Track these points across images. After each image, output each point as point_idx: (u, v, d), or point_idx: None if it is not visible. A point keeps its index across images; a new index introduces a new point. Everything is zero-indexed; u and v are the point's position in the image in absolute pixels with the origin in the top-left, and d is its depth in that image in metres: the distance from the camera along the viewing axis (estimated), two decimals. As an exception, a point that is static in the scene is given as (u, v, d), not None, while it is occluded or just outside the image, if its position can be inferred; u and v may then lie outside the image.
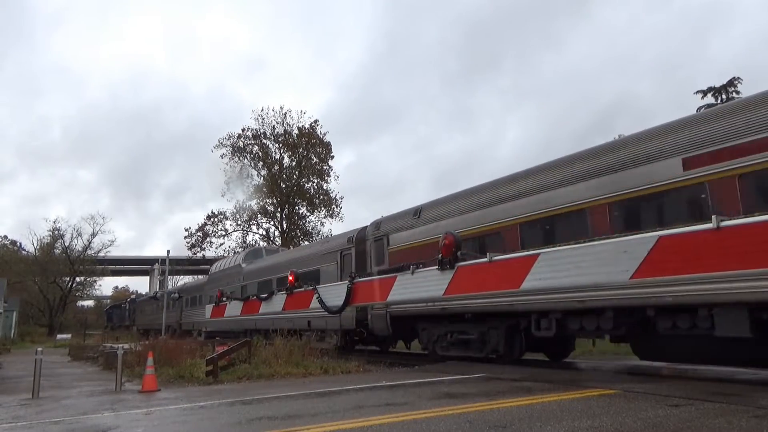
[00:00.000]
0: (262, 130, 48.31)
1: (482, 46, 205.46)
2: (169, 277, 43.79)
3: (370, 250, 16.94)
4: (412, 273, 13.89)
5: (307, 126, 48.23)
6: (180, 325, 36.77)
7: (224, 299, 28.32)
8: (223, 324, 26.97)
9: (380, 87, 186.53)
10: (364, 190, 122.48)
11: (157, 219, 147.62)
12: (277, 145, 48.92)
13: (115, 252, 70.39)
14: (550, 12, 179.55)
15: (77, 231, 63.56)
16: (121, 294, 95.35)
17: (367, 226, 17.84)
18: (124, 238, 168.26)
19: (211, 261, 48.67)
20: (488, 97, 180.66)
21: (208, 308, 30.94)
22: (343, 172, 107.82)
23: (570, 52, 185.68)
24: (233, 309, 25.64)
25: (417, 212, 15.40)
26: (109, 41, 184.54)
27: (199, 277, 47.47)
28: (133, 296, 67.67)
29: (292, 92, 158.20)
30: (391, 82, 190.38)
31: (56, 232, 63.26)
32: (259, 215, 48.71)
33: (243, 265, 27.22)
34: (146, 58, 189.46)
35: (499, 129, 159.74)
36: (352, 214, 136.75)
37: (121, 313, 62.47)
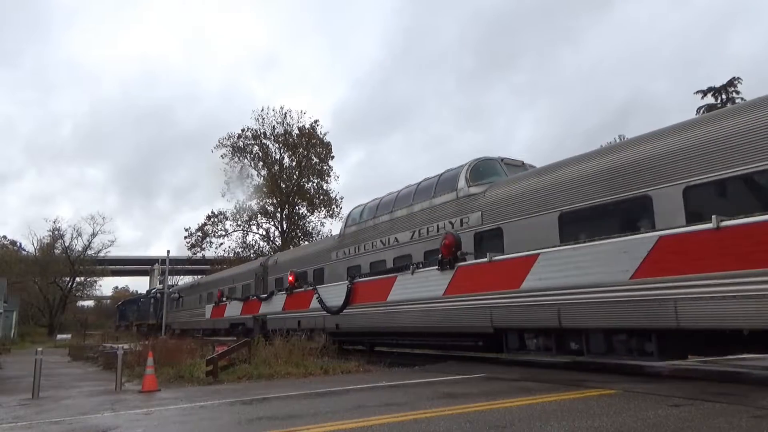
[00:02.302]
0: (262, 130, 48.42)
1: (500, 43, 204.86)
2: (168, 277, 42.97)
3: None
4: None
5: (307, 126, 48.33)
6: (262, 323, 23.11)
7: (223, 299, 28.08)
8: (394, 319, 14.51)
9: (395, 84, 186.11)
10: (372, 189, 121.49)
11: (164, 218, 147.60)
12: (277, 145, 49.01)
13: (119, 252, 70.59)
14: (570, 8, 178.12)
15: (77, 231, 63.71)
16: (121, 294, 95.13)
17: None
18: (130, 238, 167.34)
19: (211, 261, 48.59)
20: (503, 94, 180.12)
21: (208, 308, 30.46)
22: (352, 170, 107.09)
23: (588, 49, 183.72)
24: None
25: None
26: (123, 37, 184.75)
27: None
28: (156, 288, 50.98)
29: (305, 89, 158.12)
30: (405, 79, 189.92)
31: (56, 232, 63.44)
32: (259, 215, 48.77)
33: (474, 190, 13.42)
34: (160, 54, 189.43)
35: (513, 127, 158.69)
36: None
37: (139, 309, 51.06)
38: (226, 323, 26.94)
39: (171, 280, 48.92)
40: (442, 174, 14.99)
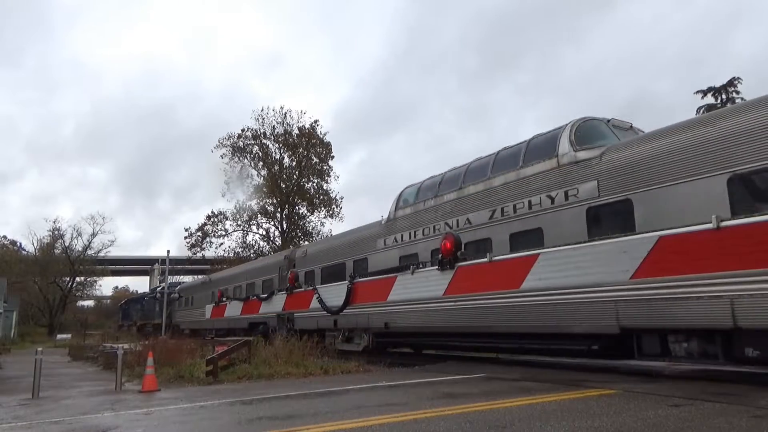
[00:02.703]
0: (262, 130, 48.42)
1: (502, 43, 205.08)
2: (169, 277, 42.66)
3: None
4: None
5: (307, 126, 48.33)
6: (289, 322, 20.27)
7: (224, 299, 28.05)
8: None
9: (397, 84, 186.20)
10: (375, 188, 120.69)
11: (165, 218, 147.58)
12: (277, 145, 49.01)
13: (119, 251, 70.42)
14: (573, 7, 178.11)
15: (77, 231, 63.75)
16: (121, 294, 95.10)
17: None
18: (131, 237, 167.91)
19: (211, 261, 48.58)
20: (506, 94, 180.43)
21: (208, 308, 30.44)
22: (354, 169, 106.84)
23: (591, 48, 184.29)
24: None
25: None
26: (126, 36, 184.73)
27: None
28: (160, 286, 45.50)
29: (308, 89, 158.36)
30: (408, 79, 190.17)
31: (56, 232, 63.47)
32: (259, 215, 48.78)
33: (584, 155, 11.02)
34: (163, 53, 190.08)
35: (515, 127, 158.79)
36: (361, 213, 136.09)
37: (143, 308, 48.14)
38: (244, 322, 24.63)
39: (172, 279, 48.66)
40: (530, 139, 12.63)
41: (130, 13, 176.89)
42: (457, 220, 13.80)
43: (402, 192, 16.89)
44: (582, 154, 10.98)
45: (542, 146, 12.10)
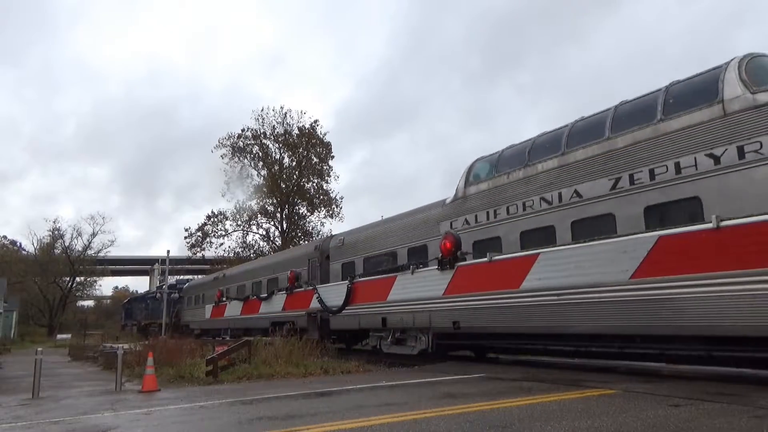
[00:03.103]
0: (262, 130, 48.47)
1: (506, 42, 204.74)
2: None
3: None
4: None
5: (307, 126, 48.39)
6: (322, 321, 18.49)
7: (224, 299, 28.01)
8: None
9: (400, 83, 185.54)
10: (377, 188, 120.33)
11: (166, 218, 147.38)
12: (277, 145, 49.07)
13: (120, 251, 70.34)
14: (577, 6, 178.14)
15: (77, 231, 63.80)
16: (120, 294, 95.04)
17: None
18: (132, 237, 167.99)
19: (211, 261, 48.57)
20: (509, 93, 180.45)
21: (208, 308, 30.39)
22: (356, 168, 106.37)
23: (595, 47, 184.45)
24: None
25: None
26: (128, 36, 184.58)
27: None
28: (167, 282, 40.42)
29: (311, 89, 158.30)
30: (411, 79, 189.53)
31: (56, 232, 63.51)
32: (259, 215, 48.83)
33: (764, 97, 8.26)
34: (165, 53, 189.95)
35: (518, 126, 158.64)
36: (363, 212, 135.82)
37: (148, 307, 44.13)
38: (266, 321, 22.30)
39: (179, 277, 48.48)
40: (669, 86, 9.88)
41: (133, 13, 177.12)
42: (560, 194, 11.11)
43: (472, 165, 14.13)
44: (764, 97, 8.25)
45: (693, 92, 9.40)
